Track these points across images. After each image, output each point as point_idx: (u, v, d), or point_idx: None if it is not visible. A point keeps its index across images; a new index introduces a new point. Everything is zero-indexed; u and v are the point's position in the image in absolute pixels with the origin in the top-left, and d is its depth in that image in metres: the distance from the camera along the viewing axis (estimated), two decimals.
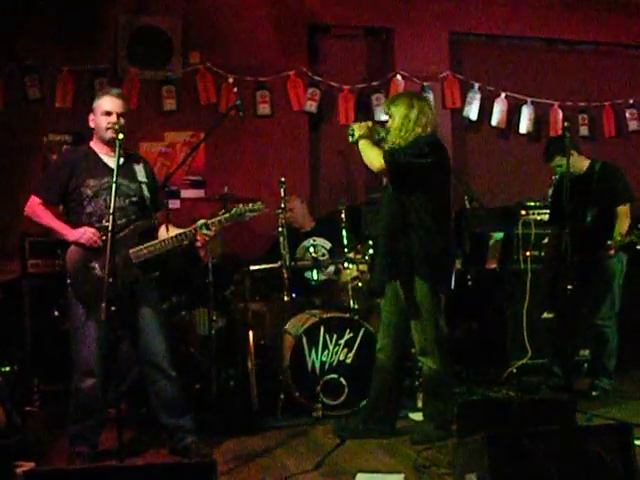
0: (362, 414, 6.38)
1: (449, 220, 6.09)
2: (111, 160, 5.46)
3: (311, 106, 9.17)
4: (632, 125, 10.29)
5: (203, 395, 6.93)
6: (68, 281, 5.52)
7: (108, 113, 5.53)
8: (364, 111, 9.39)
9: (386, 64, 9.53)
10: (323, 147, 9.52)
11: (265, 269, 7.37)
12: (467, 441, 4.23)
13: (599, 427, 4.98)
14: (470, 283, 7.89)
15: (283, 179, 7.21)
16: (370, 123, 6.15)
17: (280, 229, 7.18)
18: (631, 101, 10.25)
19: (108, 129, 5.47)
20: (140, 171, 5.70)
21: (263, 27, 9.06)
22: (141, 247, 5.47)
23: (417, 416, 6.58)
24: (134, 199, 5.59)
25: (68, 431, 5.59)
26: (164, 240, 5.49)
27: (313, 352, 6.78)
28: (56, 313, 7.19)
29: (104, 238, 5.28)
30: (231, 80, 8.78)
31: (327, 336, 6.82)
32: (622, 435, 4.14)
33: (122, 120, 5.51)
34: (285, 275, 7.13)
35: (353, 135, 6.06)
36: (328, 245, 7.95)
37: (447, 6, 9.62)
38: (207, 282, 6.87)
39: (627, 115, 10.27)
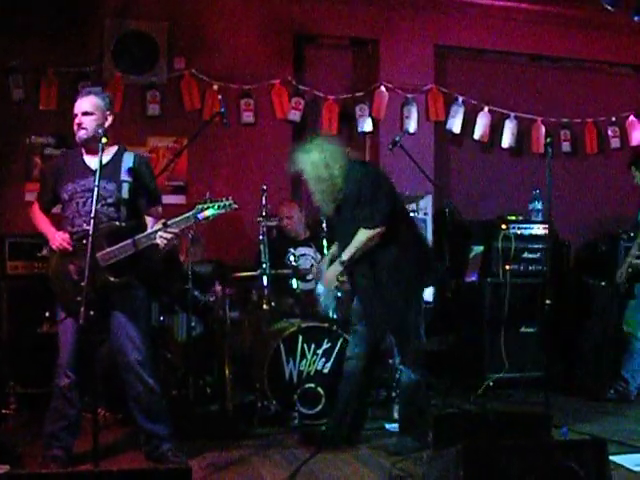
0: (330, 422, 6.39)
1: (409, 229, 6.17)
2: (92, 161, 5.52)
3: (295, 115, 9.18)
4: (614, 142, 10.33)
5: (180, 401, 6.94)
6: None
7: (75, 115, 5.61)
8: (347, 121, 9.41)
9: (371, 75, 9.55)
10: None
11: (246, 276, 7.36)
12: (442, 453, 4.23)
13: (574, 442, 5.00)
14: (450, 295, 7.92)
15: (265, 187, 7.21)
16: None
17: (261, 237, 7.18)
18: (613, 119, 10.29)
19: (77, 131, 5.59)
20: (126, 169, 5.60)
21: (249, 35, 9.06)
22: (107, 250, 5.41)
23: (393, 427, 6.60)
24: (110, 200, 5.52)
25: (44, 431, 5.59)
26: (128, 242, 5.41)
27: (291, 361, 6.77)
28: (47, 314, 7.16)
29: (81, 242, 5.33)
30: (216, 87, 8.78)
31: (305, 345, 6.82)
32: (597, 450, 4.15)
33: (87, 119, 5.57)
34: (265, 283, 7.14)
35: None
36: (319, 257, 7.93)
37: (432, 19, 9.66)
38: (186, 288, 6.88)
39: (609, 132, 10.31)
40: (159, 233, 5.40)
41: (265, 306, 7.22)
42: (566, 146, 10.23)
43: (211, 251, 8.18)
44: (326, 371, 6.84)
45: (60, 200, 5.64)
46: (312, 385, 6.78)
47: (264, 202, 7.19)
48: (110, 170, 5.54)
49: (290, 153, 6.26)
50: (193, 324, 7.10)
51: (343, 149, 6.14)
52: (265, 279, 7.14)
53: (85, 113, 5.58)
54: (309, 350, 6.82)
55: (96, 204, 4.99)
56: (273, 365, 6.72)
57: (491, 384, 7.92)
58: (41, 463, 5.44)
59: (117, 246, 5.41)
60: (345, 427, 6.17)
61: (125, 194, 5.55)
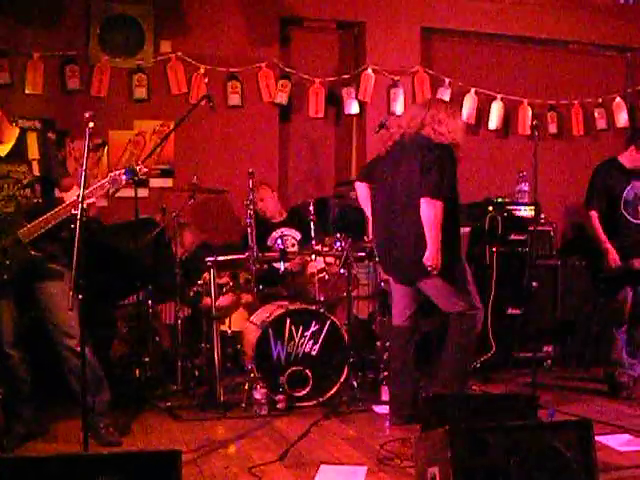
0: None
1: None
2: (0, 149, 5.70)
3: (281, 98, 9.17)
4: (600, 124, 10.36)
5: (168, 384, 6.97)
6: None
7: None
8: (334, 104, 9.43)
9: (357, 58, 9.55)
10: (293, 139, 9.54)
11: (232, 259, 7.36)
12: (430, 435, 4.26)
13: (560, 423, 5.03)
14: None
15: (252, 170, 7.20)
16: None
17: (248, 220, 7.18)
18: (600, 100, 10.31)
19: None
20: (32, 148, 5.74)
21: (235, 18, 9.04)
22: (28, 226, 5.52)
23: (381, 409, 6.64)
24: (25, 182, 5.65)
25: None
26: (48, 215, 5.52)
27: (279, 343, 6.79)
28: None
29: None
30: (202, 70, 8.77)
31: (293, 328, 6.84)
32: (583, 431, 4.18)
33: None
34: (252, 266, 7.14)
35: None
36: (298, 236, 7.98)
37: (419, 1, 9.64)
38: (175, 273, 6.90)
39: (596, 114, 10.34)
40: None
41: (253, 289, 7.25)
42: (552, 128, 10.24)
43: (200, 237, 8.22)
44: (314, 353, 6.86)
45: None
46: (300, 367, 6.80)
47: (251, 185, 7.19)
48: (19, 153, 5.71)
49: None
50: (177, 308, 7.14)
51: None
52: (253, 262, 7.15)
53: None
54: (297, 332, 6.84)
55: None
56: (261, 348, 6.74)
57: (478, 365, 7.94)
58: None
59: (36, 221, 5.52)
60: None
61: (37, 172, 5.69)
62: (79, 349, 5.45)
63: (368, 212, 6.46)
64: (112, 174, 5.60)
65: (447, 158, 5.91)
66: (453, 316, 6.14)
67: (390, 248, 6.14)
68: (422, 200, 5.77)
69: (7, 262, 5.48)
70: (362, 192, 6.48)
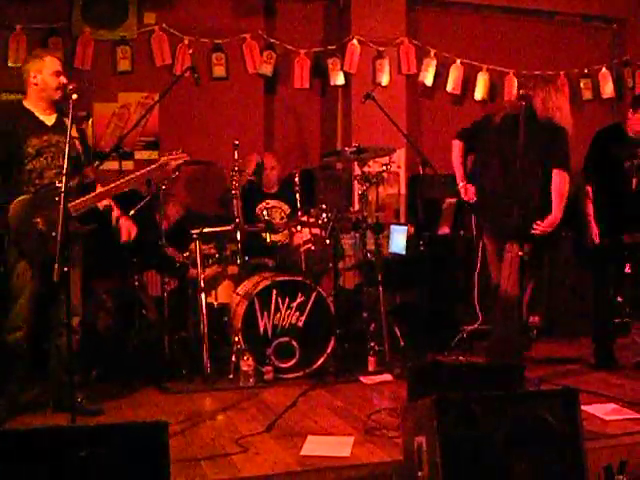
0: None
1: None
2: (47, 118, 5.69)
3: (266, 69, 9.14)
4: (586, 95, 10.37)
5: (155, 356, 6.97)
6: (10, 237, 5.55)
7: (58, 73, 5.63)
8: (319, 75, 9.39)
9: (342, 28, 9.50)
10: (278, 110, 9.51)
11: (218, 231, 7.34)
12: (416, 405, 4.27)
13: (546, 392, 5.05)
14: (422, 248, 7.94)
15: (237, 142, 7.18)
16: None
17: (233, 192, 7.16)
18: (586, 71, 10.32)
19: (58, 89, 5.60)
20: (70, 126, 5.69)
21: None
22: (79, 201, 5.53)
23: (367, 380, 6.66)
24: (70, 155, 5.56)
25: None
26: (99, 193, 5.61)
27: (265, 315, 6.79)
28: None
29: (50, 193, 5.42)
30: (186, 42, 8.73)
31: (279, 299, 6.84)
32: (569, 400, 4.20)
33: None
34: (238, 237, 7.12)
35: None
36: (287, 209, 7.96)
37: None
38: (160, 244, 6.88)
39: (581, 85, 10.35)
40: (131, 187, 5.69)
41: (239, 260, 7.23)
42: None
43: (185, 206, 8.21)
44: (300, 324, 6.87)
45: (21, 155, 5.58)
46: (286, 339, 6.81)
47: (236, 156, 7.17)
48: (62, 127, 5.65)
49: None
50: (167, 280, 7.13)
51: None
52: (239, 234, 7.13)
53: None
54: (283, 304, 6.84)
55: (67, 159, 4.97)
56: (247, 319, 6.74)
57: (465, 335, 7.96)
58: None
59: (91, 195, 5.57)
60: None
61: (79, 148, 5.77)
62: (77, 328, 5.50)
63: (459, 171, 6.80)
64: (161, 159, 5.94)
65: (568, 141, 6.46)
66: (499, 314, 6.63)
67: (503, 205, 6.35)
68: (555, 171, 6.34)
69: (54, 234, 5.23)
70: (458, 151, 6.82)
